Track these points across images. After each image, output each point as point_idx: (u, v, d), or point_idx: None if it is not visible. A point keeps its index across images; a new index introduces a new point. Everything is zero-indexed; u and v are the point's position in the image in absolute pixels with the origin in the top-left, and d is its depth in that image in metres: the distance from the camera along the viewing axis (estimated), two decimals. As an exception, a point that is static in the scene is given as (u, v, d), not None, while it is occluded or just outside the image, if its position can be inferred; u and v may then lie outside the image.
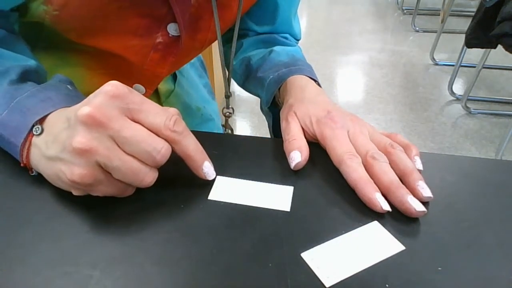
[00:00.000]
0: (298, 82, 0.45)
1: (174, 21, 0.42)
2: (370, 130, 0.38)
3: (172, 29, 0.43)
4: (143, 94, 0.48)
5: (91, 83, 0.47)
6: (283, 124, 0.41)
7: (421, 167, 0.36)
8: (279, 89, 0.47)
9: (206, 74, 0.71)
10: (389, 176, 0.33)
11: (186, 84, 0.62)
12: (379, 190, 0.32)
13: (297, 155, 0.36)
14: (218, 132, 0.54)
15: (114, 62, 0.45)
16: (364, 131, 0.38)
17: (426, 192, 0.32)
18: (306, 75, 0.46)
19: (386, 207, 0.31)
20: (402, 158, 0.34)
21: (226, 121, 0.50)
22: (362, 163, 0.34)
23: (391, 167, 0.34)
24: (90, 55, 0.45)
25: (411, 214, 0.31)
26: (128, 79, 0.47)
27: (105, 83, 0.46)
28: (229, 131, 0.51)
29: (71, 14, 0.39)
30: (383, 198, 0.32)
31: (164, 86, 0.55)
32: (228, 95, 0.47)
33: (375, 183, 0.33)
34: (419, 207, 0.31)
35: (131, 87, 0.48)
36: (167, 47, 0.44)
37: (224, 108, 0.49)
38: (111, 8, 0.39)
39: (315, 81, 0.47)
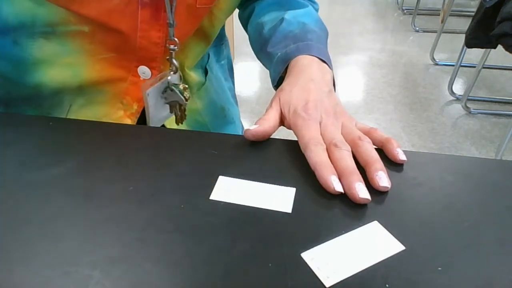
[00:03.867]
0: (300, 63, 0.45)
1: None
2: (345, 122, 0.40)
3: None
4: (150, 78, 0.47)
5: (94, 69, 0.46)
6: (267, 107, 0.43)
7: (404, 158, 0.37)
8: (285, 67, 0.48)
9: (231, 79, 0.71)
10: (346, 162, 0.34)
11: (215, 82, 0.62)
12: (336, 174, 0.34)
13: (255, 126, 0.40)
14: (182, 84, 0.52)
15: (110, 41, 0.44)
16: (336, 123, 0.39)
17: (383, 182, 0.33)
18: (312, 55, 0.46)
19: (339, 188, 0.33)
20: (368, 149, 0.36)
21: (171, 55, 0.47)
22: (326, 150, 0.36)
23: (358, 157, 0.36)
24: (86, 37, 0.44)
25: (354, 199, 0.32)
26: (129, 61, 0.46)
27: (107, 69, 0.46)
28: (174, 68, 0.47)
29: None
30: (337, 180, 0.33)
31: (194, 77, 0.54)
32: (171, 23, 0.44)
33: (334, 168, 0.35)
34: (363, 194, 0.32)
35: (136, 71, 0.47)
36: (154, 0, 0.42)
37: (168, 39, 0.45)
38: None
39: (321, 59, 0.46)
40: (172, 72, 0.48)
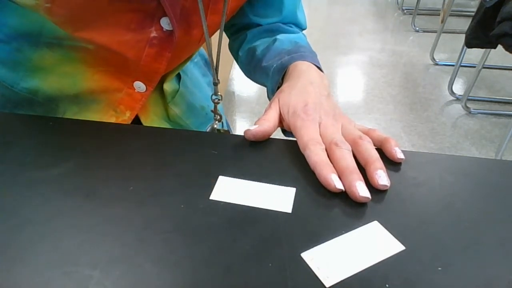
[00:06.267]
0: (299, 68, 0.46)
1: (166, 15, 0.42)
2: (345, 124, 0.40)
3: (165, 23, 0.43)
4: (144, 92, 0.49)
5: (92, 80, 0.47)
6: (266, 107, 0.43)
7: (402, 156, 0.37)
8: (282, 77, 0.48)
9: (210, 72, 0.71)
10: (347, 161, 0.34)
11: (190, 84, 0.62)
12: (335, 172, 0.34)
13: (255, 126, 0.40)
14: (223, 129, 0.55)
15: (112, 59, 0.46)
16: (335, 124, 0.40)
17: (382, 180, 0.34)
18: (308, 61, 0.47)
19: (340, 186, 0.33)
20: (368, 148, 0.36)
21: (215, 107, 0.51)
22: (326, 150, 0.37)
23: (358, 157, 0.36)
24: (90, 52, 0.45)
25: (355, 198, 0.32)
26: (127, 76, 0.48)
27: (105, 80, 0.48)
28: (218, 117, 0.52)
29: (62, 7, 0.40)
30: (337, 178, 0.33)
31: (169, 86, 0.56)
32: (216, 82, 0.49)
33: (334, 167, 0.35)
34: (364, 192, 0.32)
35: (132, 84, 0.48)
36: (162, 42, 0.44)
37: (212, 94, 0.50)
38: (102, 2, 0.40)
39: (318, 67, 0.47)
40: (217, 121, 0.53)
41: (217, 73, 0.48)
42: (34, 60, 0.46)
